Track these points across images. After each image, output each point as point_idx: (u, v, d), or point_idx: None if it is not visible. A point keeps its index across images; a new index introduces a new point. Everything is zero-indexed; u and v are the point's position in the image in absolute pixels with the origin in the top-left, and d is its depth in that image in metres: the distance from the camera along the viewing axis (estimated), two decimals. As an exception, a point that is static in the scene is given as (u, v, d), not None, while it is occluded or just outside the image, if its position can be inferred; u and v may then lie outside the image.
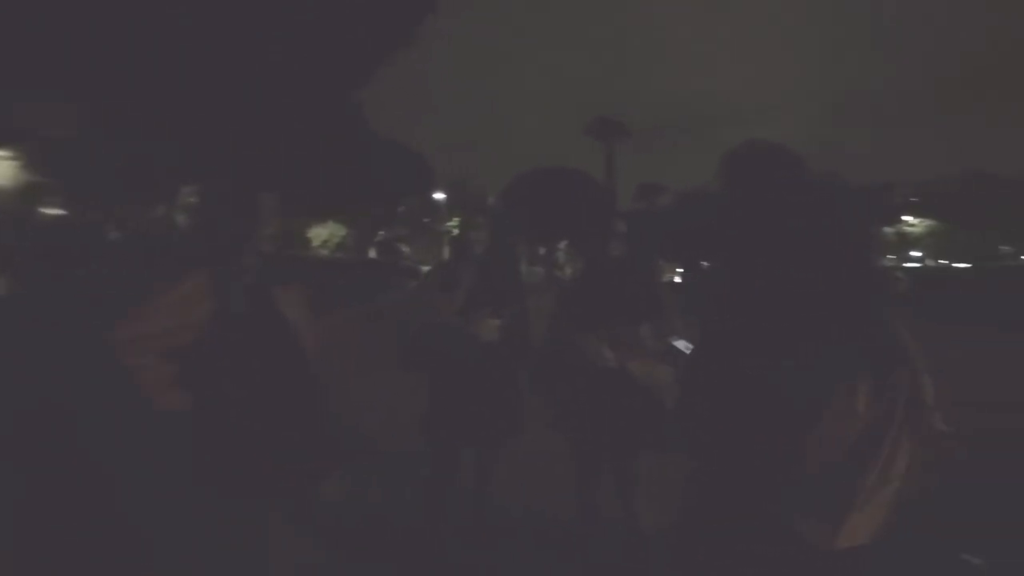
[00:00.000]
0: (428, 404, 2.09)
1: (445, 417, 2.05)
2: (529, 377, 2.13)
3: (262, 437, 1.31)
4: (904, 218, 39.60)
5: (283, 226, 23.51)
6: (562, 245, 39.72)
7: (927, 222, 39.20)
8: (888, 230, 38.71)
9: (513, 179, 33.91)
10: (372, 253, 29.06)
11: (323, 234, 30.72)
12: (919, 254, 39.24)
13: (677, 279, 21.35)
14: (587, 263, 2.13)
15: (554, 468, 2.22)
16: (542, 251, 38.63)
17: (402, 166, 21.41)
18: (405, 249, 28.92)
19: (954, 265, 30.45)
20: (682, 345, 1.12)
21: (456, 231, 2.20)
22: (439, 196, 34.62)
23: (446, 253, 2.53)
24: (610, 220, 2.04)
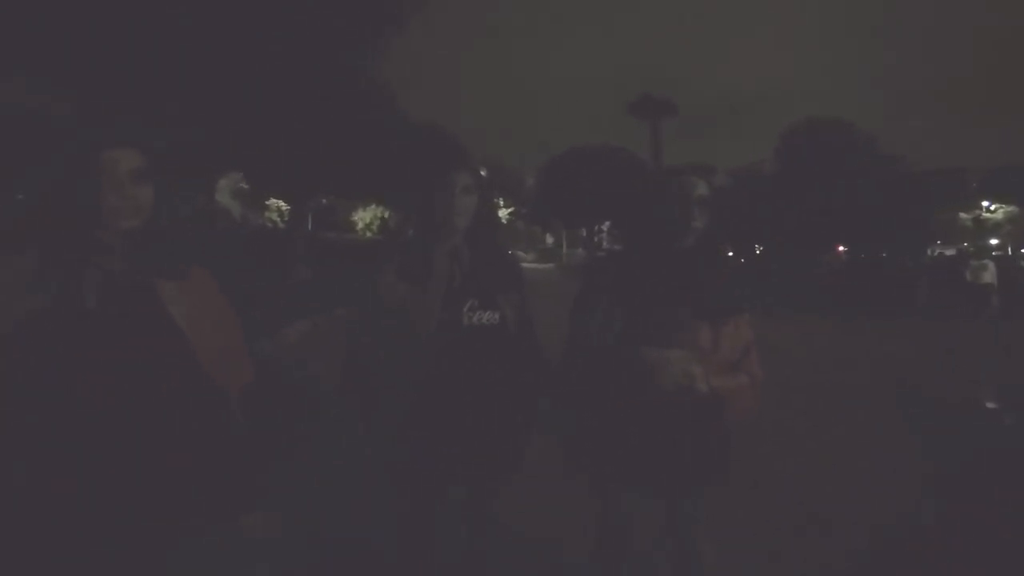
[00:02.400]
0: (393, 433, 1.51)
1: (416, 451, 1.47)
2: (549, 399, 1.61)
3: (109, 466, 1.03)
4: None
5: (327, 210, 23.95)
6: (604, 226, 38.74)
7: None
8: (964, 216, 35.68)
9: (553, 157, 33.07)
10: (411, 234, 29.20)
11: (366, 217, 31.15)
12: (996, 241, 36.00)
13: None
14: (644, 246, 1.53)
15: (575, 512, 1.81)
16: (584, 232, 37.87)
17: (440, 148, 21.18)
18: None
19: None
20: None
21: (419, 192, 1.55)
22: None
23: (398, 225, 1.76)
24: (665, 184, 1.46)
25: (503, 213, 42.19)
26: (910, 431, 3.62)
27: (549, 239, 47.98)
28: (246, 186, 23.07)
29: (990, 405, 4.24)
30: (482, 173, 1.64)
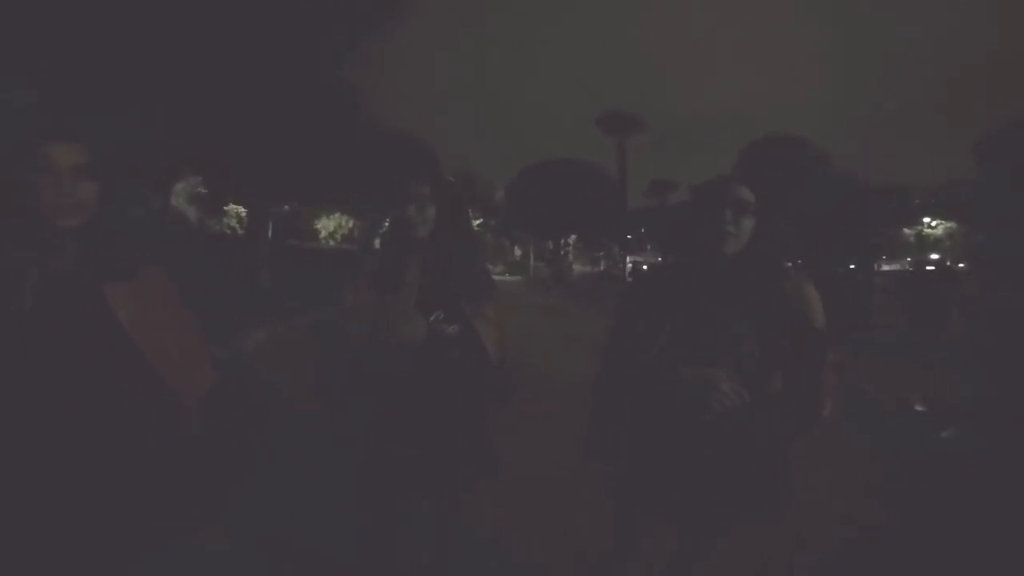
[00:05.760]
0: (363, 442, 1.55)
1: (383, 458, 1.50)
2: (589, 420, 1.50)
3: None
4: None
5: (290, 217, 23.39)
6: (571, 239, 39.14)
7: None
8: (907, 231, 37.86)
9: (522, 170, 33.35)
10: (377, 244, 28.91)
11: (330, 225, 30.57)
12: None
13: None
14: (684, 256, 1.42)
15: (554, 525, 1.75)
16: (551, 245, 38.22)
17: (409, 157, 21.05)
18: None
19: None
20: None
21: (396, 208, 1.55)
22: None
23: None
24: (731, 188, 1.32)
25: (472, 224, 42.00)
26: (857, 433, 3.69)
27: (517, 252, 48.22)
28: (204, 191, 22.44)
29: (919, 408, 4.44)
30: (450, 179, 1.63)
